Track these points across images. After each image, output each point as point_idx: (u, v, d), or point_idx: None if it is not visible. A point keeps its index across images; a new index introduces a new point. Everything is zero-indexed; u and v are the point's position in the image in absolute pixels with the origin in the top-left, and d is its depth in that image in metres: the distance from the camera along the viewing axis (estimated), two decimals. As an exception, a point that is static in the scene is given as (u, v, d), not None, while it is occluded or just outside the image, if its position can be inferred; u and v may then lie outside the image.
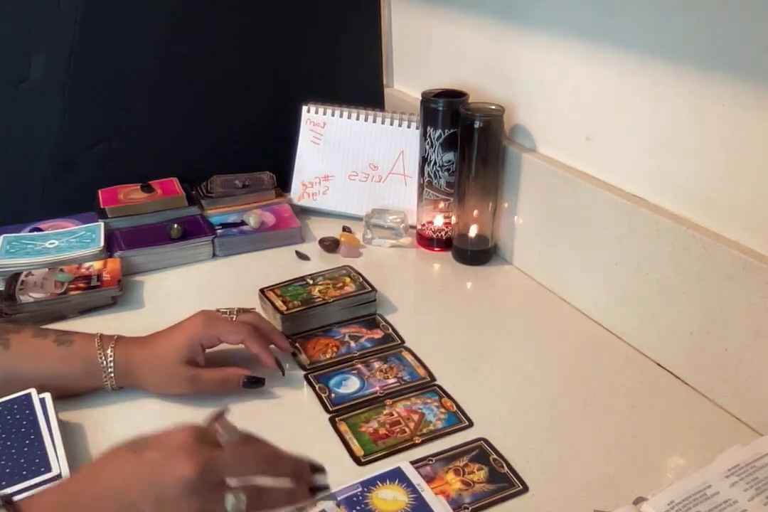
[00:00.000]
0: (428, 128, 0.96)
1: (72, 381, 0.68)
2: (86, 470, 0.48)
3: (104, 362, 0.68)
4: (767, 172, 0.63)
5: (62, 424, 0.64)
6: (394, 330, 0.83)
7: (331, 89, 1.14)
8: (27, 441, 0.60)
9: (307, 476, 0.50)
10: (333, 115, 1.10)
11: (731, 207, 0.67)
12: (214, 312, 0.76)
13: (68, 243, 0.95)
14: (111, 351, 0.68)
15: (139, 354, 0.69)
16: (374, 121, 1.08)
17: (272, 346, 0.74)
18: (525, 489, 0.60)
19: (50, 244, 0.95)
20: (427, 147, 0.97)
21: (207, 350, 0.71)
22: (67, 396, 0.69)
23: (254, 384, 0.71)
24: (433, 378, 0.75)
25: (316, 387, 0.73)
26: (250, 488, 0.46)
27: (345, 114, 1.09)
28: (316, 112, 1.10)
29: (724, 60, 0.64)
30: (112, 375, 0.68)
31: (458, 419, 0.69)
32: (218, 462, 0.45)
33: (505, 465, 0.63)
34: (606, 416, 0.69)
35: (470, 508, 0.58)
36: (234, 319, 0.75)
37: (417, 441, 0.66)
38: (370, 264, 0.97)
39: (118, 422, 0.68)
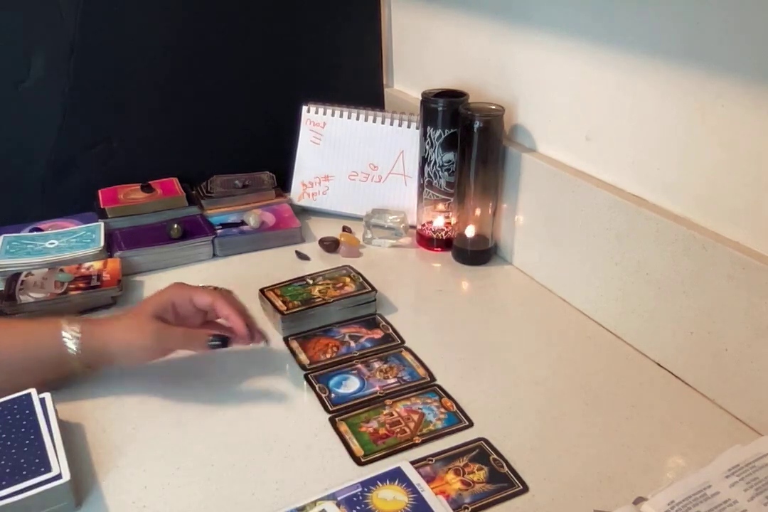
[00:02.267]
0: (428, 128, 0.96)
1: (34, 354, 0.66)
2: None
3: (68, 331, 0.67)
4: (767, 172, 0.63)
5: (62, 424, 0.64)
6: (394, 330, 0.83)
7: (331, 89, 1.14)
8: (27, 441, 0.60)
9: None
10: (333, 115, 1.10)
11: (731, 207, 0.67)
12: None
13: (68, 243, 0.95)
14: (78, 325, 0.68)
15: (106, 319, 0.71)
16: (374, 121, 1.08)
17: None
18: (525, 489, 0.60)
19: (50, 244, 0.95)
20: (427, 147, 0.97)
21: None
22: (53, 388, 0.68)
23: (220, 344, 0.71)
24: (433, 378, 0.75)
25: (316, 387, 0.73)
26: None
27: (345, 114, 1.09)
28: (316, 112, 1.10)
29: (724, 60, 0.63)
30: (78, 338, 0.66)
31: (458, 419, 0.69)
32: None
33: (505, 465, 0.63)
34: (606, 416, 0.69)
35: (470, 508, 0.58)
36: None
37: (417, 441, 0.66)
38: (370, 264, 0.97)
39: (118, 422, 0.68)
